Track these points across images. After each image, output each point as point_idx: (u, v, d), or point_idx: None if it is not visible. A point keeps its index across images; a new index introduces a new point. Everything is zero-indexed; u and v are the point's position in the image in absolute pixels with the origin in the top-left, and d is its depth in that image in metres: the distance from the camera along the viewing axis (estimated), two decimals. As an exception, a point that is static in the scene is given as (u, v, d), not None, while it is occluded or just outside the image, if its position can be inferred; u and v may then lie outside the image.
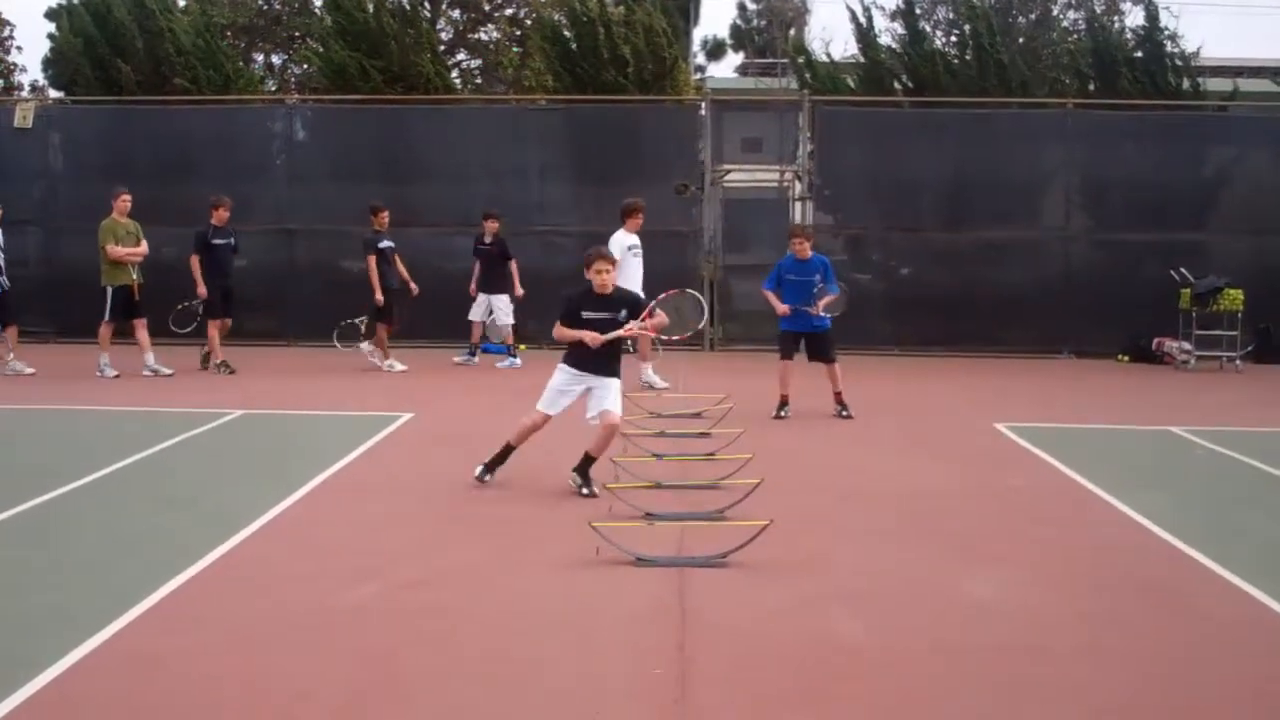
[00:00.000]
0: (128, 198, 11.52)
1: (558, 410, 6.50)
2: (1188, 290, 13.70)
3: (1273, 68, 21.58)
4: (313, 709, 3.53)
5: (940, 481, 6.95)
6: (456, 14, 27.49)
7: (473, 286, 12.89)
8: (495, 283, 12.80)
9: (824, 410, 9.31)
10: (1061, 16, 26.64)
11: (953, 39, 19.89)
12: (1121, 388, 12.12)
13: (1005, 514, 6.22)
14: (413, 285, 12.58)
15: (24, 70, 26.96)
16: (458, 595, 4.64)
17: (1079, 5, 26.56)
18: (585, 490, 6.33)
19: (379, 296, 12.05)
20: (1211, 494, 6.82)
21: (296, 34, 26.55)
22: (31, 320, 12.59)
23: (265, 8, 26.79)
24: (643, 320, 6.46)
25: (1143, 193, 14.85)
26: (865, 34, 17.29)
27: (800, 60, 18.37)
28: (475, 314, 12.93)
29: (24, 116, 15.58)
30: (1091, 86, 17.24)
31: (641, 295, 6.78)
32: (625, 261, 10.50)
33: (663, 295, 6.90)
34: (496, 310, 12.82)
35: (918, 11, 19.44)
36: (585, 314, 6.49)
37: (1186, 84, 16.56)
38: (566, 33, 17.37)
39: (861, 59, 17.63)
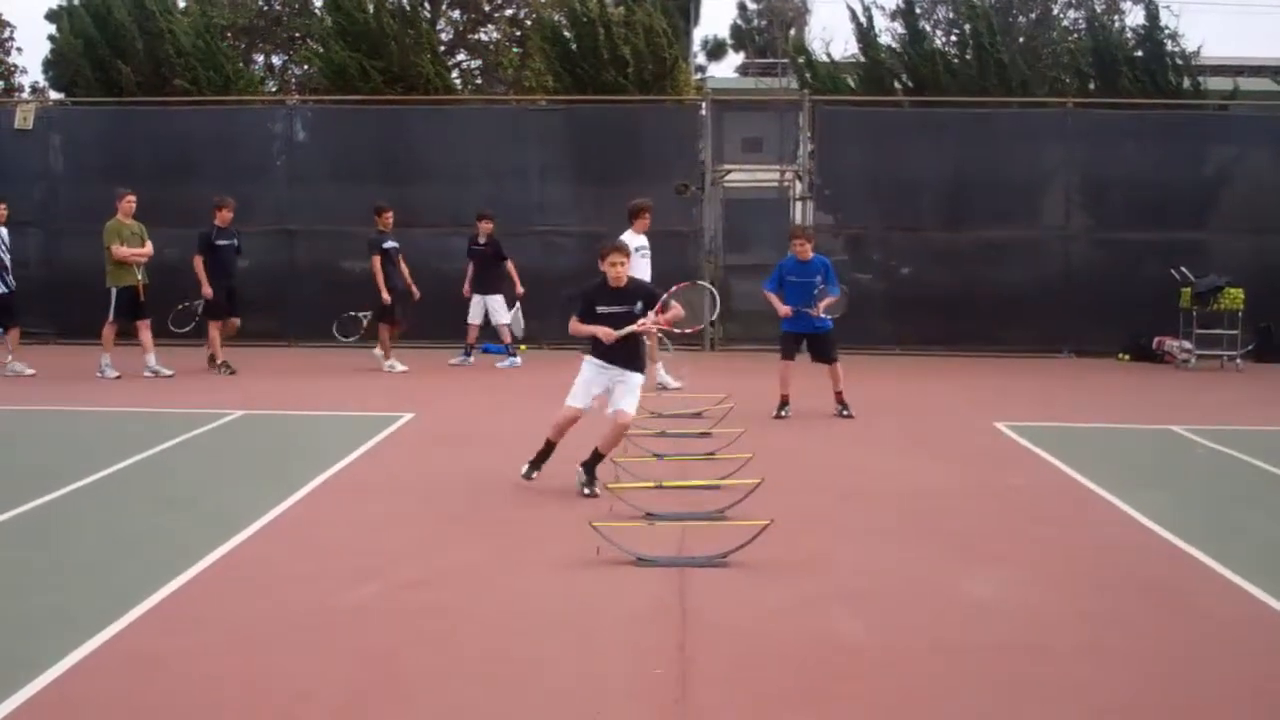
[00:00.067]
0: (132, 199, 11.54)
1: (588, 403, 6.43)
2: (1188, 289, 13.70)
3: (1273, 67, 21.57)
4: (313, 709, 3.53)
5: (941, 481, 6.95)
6: (456, 14, 27.49)
7: (466, 287, 12.89)
8: (490, 283, 12.80)
9: (824, 410, 9.31)
10: (1062, 16, 26.63)
11: (953, 38, 19.90)
12: (1122, 387, 12.12)
13: (1005, 513, 6.22)
14: (414, 289, 12.59)
15: (24, 72, 27.01)
16: (458, 595, 4.64)
17: (1079, 4, 26.54)
18: (587, 490, 6.32)
19: (386, 296, 12.06)
20: (1212, 493, 6.82)
21: (297, 35, 26.56)
22: (32, 321, 12.60)
23: (265, 9, 26.80)
24: (656, 314, 6.40)
25: (1143, 192, 14.85)
26: (865, 34, 17.29)
27: (800, 60, 18.38)
28: (473, 316, 12.94)
29: (24, 118, 15.59)
30: (1092, 86, 17.24)
31: (656, 289, 6.69)
32: (634, 262, 10.48)
33: (675, 288, 6.88)
34: (492, 310, 12.82)
35: (918, 11, 19.44)
36: (600, 308, 6.43)
37: (1187, 83, 16.56)
38: (566, 33, 17.37)
39: (862, 59, 17.63)
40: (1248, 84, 18.74)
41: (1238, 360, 13.56)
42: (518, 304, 12.98)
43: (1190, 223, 14.93)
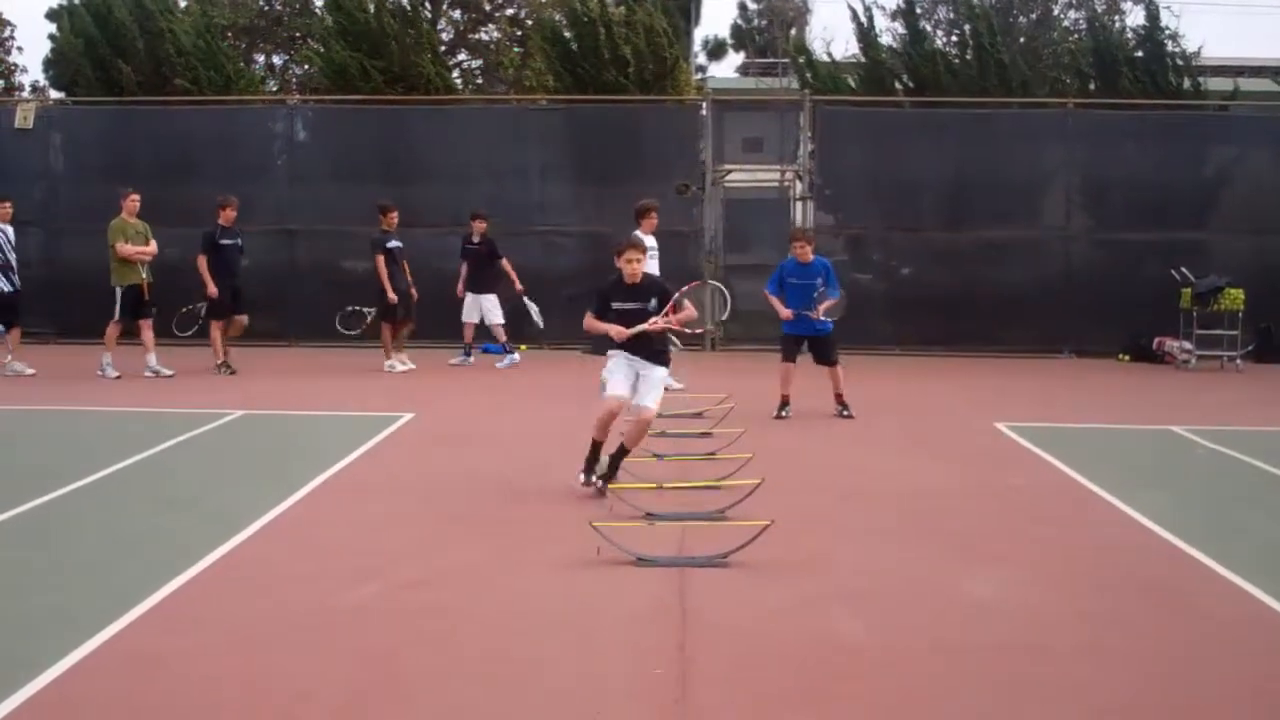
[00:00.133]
0: (136, 198, 11.55)
1: (626, 390, 6.33)
2: (1188, 290, 13.70)
3: (1273, 67, 21.55)
4: (313, 709, 3.53)
5: (941, 481, 6.95)
6: (457, 14, 27.50)
7: (460, 287, 12.90)
8: (483, 283, 12.82)
9: (824, 410, 9.31)
10: (1062, 16, 26.64)
11: (953, 39, 19.89)
12: (1122, 387, 12.12)
13: (1006, 513, 6.22)
14: (413, 290, 12.59)
15: (25, 71, 27.04)
16: (458, 595, 4.64)
17: (1080, 5, 26.55)
18: (600, 483, 6.30)
19: (391, 296, 12.07)
20: (1212, 493, 6.82)
21: (297, 34, 26.57)
22: (32, 321, 12.60)
23: (266, 8, 26.81)
24: (667, 314, 6.36)
25: (1143, 192, 14.86)
26: (866, 34, 17.29)
27: (801, 60, 18.38)
28: (467, 315, 12.95)
29: (25, 117, 15.60)
30: (1092, 86, 17.24)
31: (669, 287, 6.63)
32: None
33: (686, 287, 6.86)
34: (485, 310, 12.83)
35: (918, 11, 19.43)
36: (615, 304, 6.42)
37: (1187, 83, 16.55)
38: (567, 33, 17.37)
39: (862, 59, 17.63)
40: (1248, 84, 18.72)
41: (1238, 361, 13.56)
42: (529, 301, 12.96)
43: (1190, 223, 14.94)
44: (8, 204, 11.83)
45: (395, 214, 12.38)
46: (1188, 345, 13.66)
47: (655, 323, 6.32)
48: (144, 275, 11.48)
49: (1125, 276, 14.69)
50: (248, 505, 5.97)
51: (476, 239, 12.89)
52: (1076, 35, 23.92)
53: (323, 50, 18.77)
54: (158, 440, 7.83)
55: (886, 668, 3.90)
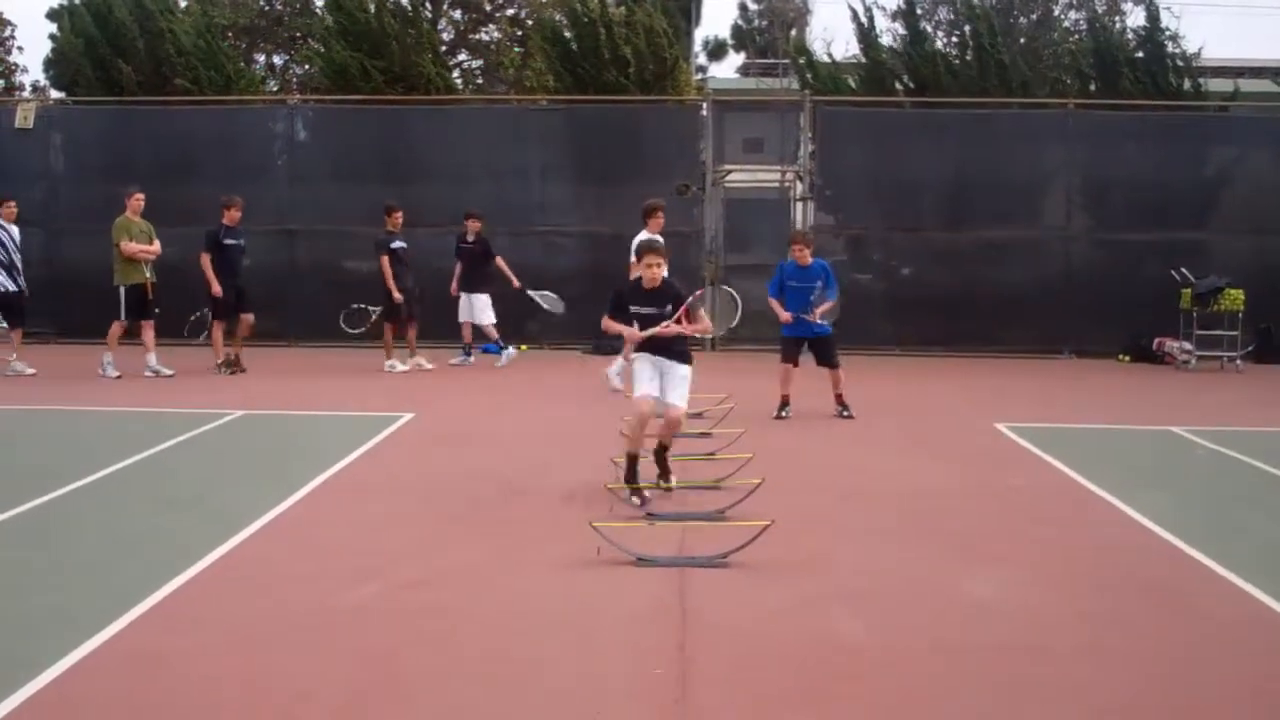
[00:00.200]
0: (141, 197, 11.56)
1: (657, 390, 6.29)
2: (1188, 290, 13.70)
3: (1274, 68, 21.55)
4: (313, 709, 3.53)
5: (941, 481, 6.95)
6: (458, 14, 27.50)
7: (454, 286, 12.91)
8: (476, 282, 12.84)
9: (824, 410, 9.32)
10: (1063, 17, 26.65)
11: (954, 39, 19.88)
12: (1122, 387, 12.12)
13: (1006, 514, 6.22)
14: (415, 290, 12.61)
15: (25, 71, 27.03)
16: (458, 595, 4.64)
17: (1080, 6, 26.56)
18: (664, 484, 6.31)
19: (397, 296, 12.07)
20: (1212, 494, 6.82)
21: (298, 34, 26.58)
22: (32, 321, 12.60)
23: (266, 8, 26.81)
24: (679, 319, 6.28)
25: (1144, 193, 14.86)
26: (866, 34, 17.28)
27: (801, 60, 18.37)
28: (464, 315, 12.97)
29: (25, 117, 15.60)
30: (1092, 87, 17.23)
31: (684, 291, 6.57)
32: None
33: (699, 291, 6.84)
34: (476, 310, 12.83)
35: (919, 12, 19.41)
36: (633, 308, 6.37)
37: (1187, 84, 16.55)
38: (567, 33, 17.38)
39: (863, 59, 17.63)
40: (1248, 85, 18.71)
41: (1238, 361, 13.56)
42: (532, 293, 12.93)
43: (1191, 224, 14.94)
44: (12, 204, 11.85)
45: (400, 214, 12.39)
46: (1188, 346, 13.66)
47: (668, 326, 6.26)
48: (148, 275, 11.49)
49: (1125, 277, 14.69)
50: (248, 505, 5.97)
51: (471, 238, 12.91)
52: (1077, 36, 23.92)
53: (323, 50, 18.77)
54: (158, 440, 7.84)
55: (886, 668, 3.90)
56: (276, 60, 27.93)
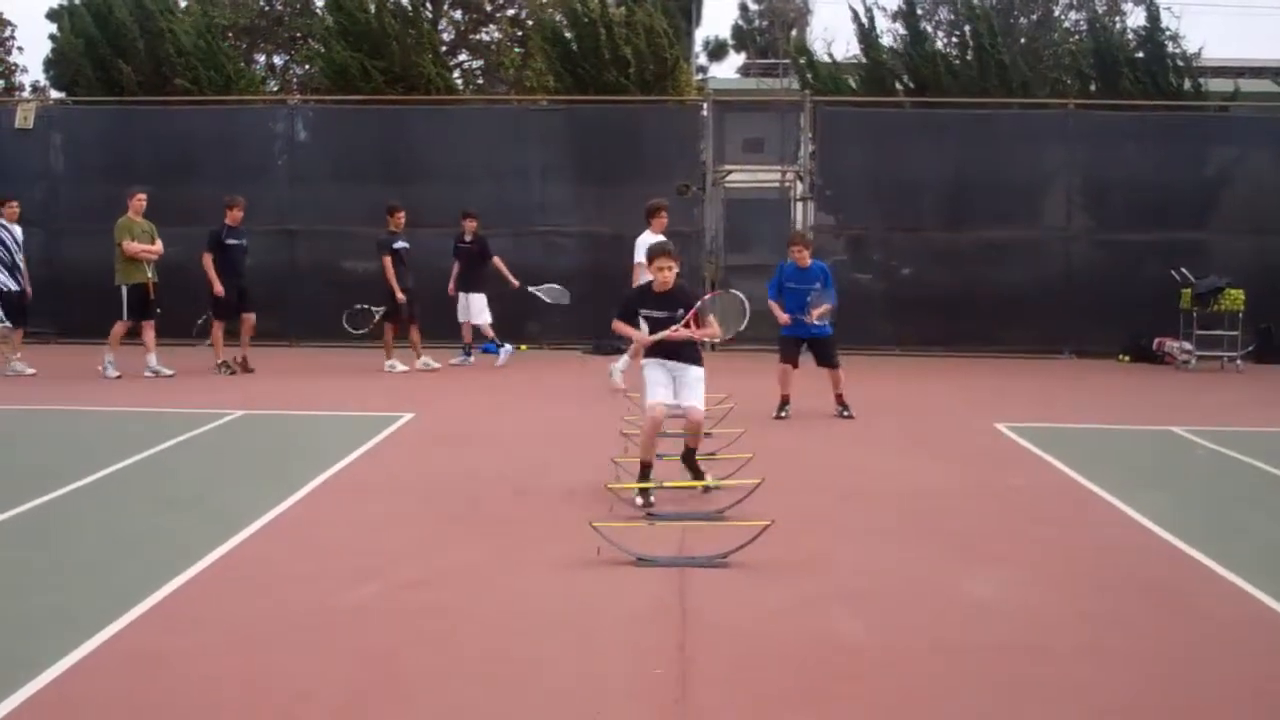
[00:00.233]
0: (143, 197, 11.57)
1: (670, 398, 6.25)
2: (1189, 290, 13.70)
3: (1274, 68, 21.56)
4: (313, 709, 3.53)
5: (941, 481, 6.95)
6: (458, 14, 27.50)
7: (451, 286, 12.91)
8: (472, 281, 12.86)
9: (824, 410, 9.31)
10: (1063, 17, 26.66)
11: (954, 40, 19.89)
12: (1122, 387, 12.12)
13: (1006, 514, 6.22)
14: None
15: (25, 71, 27.04)
16: (458, 595, 4.64)
17: (1080, 6, 26.57)
18: (701, 485, 6.29)
19: (400, 296, 12.07)
20: (1212, 494, 6.82)
21: (298, 34, 26.58)
22: (32, 321, 12.61)
23: (266, 8, 26.82)
24: (688, 323, 6.20)
25: (1144, 193, 14.86)
26: (867, 34, 17.29)
27: (802, 61, 18.38)
28: (462, 314, 12.98)
29: (25, 117, 15.60)
30: (1093, 87, 17.24)
31: (695, 295, 6.51)
32: None
33: (708, 296, 6.80)
34: (472, 309, 12.82)
35: (919, 12, 19.42)
36: (644, 312, 6.31)
37: (1188, 84, 16.56)
38: (567, 33, 17.38)
39: (863, 59, 17.64)
40: (1248, 85, 18.73)
41: (1238, 361, 13.56)
42: (533, 289, 12.91)
43: (1191, 224, 14.94)
44: (15, 204, 11.87)
45: (402, 215, 12.39)
46: (1188, 346, 13.66)
47: (677, 330, 6.20)
48: (149, 275, 11.49)
49: (1125, 277, 14.69)
50: (248, 505, 5.97)
51: (468, 238, 12.91)
52: (1077, 36, 23.94)
53: (323, 50, 18.78)
54: (158, 440, 7.84)
55: (886, 668, 3.90)
56: (277, 60, 27.95)
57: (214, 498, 6.30)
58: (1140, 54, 16.81)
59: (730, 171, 16.43)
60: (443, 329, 13.54)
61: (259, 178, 15.31)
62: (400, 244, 12.26)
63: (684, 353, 6.33)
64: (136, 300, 11.43)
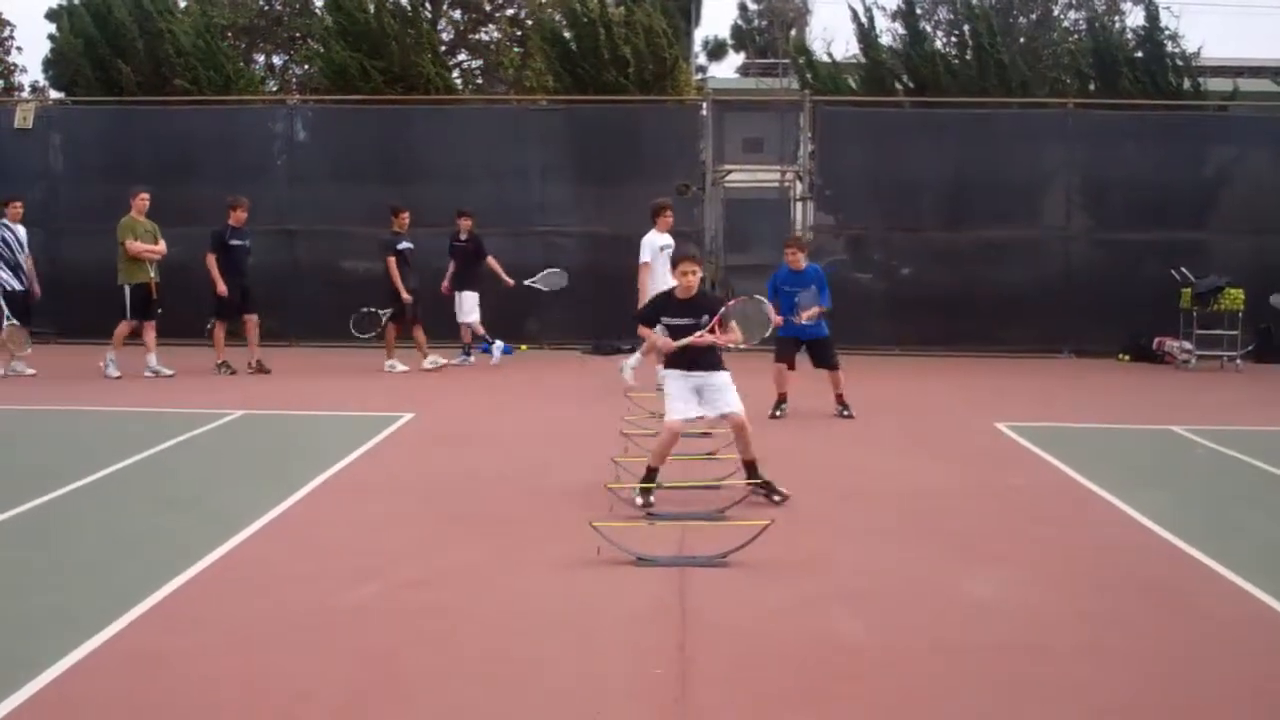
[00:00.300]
0: (146, 197, 11.57)
1: (692, 414, 6.13)
2: (1188, 290, 13.70)
3: (1273, 68, 21.57)
4: (313, 709, 3.53)
5: (941, 481, 6.95)
6: (457, 14, 27.51)
7: (445, 285, 12.90)
8: (466, 280, 12.87)
9: (824, 410, 9.31)
10: (1062, 16, 26.67)
11: (953, 39, 19.90)
12: (1122, 387, 12.12)
13: (1005, 513, 6.22)
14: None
15: (24, 71, 27.07)
16: (458, 595, 4.64)
17: (1080, 5, 26.58)
18: (777, 497, 6.17)
19: (406, 296, 12.07)
20: (1212, 493, 6.82)
21: (297, 34, 26.59)
22: (33, 321, 12.59)
23: (266, 8, 26.82)
24: (713, 329, 6.11)
25: (1143, 192, 14.87)
26: (866, 34, 17.30)
27: (801, 60, 18.38)
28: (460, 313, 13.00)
29: (24, 117, 15.60)
30: (1092, 86, 17.25)
31: (720, 300, 6.42)
32: (660, 261, 10.53)
33: (731, 302, 6.76)
34: (464, 308, 12.81)
35: (918, 12, 19.44)
36: (666, 319, 6.19)
37: (1187, 84, 16.56)
38: (567, 33, 17.38)
39: (862, 59, 17.64)
40: (1248, 85, 18.73)
41: (1238, 361, 13.56)
42: (528, 282, 12.88)
43: (1190, 223, 14.95)
44: (19, 204, 11.88)
45: (406, 215, 12.38)
46: (1187, 345, 13.67)
47: (701, 336, 6.09)
48: (152, 275, 11.49)
49: (1125, 276, 14.70)
50: (248, 505, 5.97)
51: (464, 236, 12.91)
52: (1076, 36, 23.95)
53: (323, 50, 18.78)
54: (158, 440, 7.84)
55: (886, 668, 3.90)
56: (276, 60, 27.96)
57: (214, 498, 6.30)
58: (1139, 53, 16.82)
59: (730, 171, 16.44)
60: (441, 329, 13.55)
61: (258, 178, 15.31)
62: (404, 245, 12.26)
63: (706, 361, 6.18)
64: (139, 300, 11.43)
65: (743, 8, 42.53)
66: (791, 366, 9.27)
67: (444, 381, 11.76)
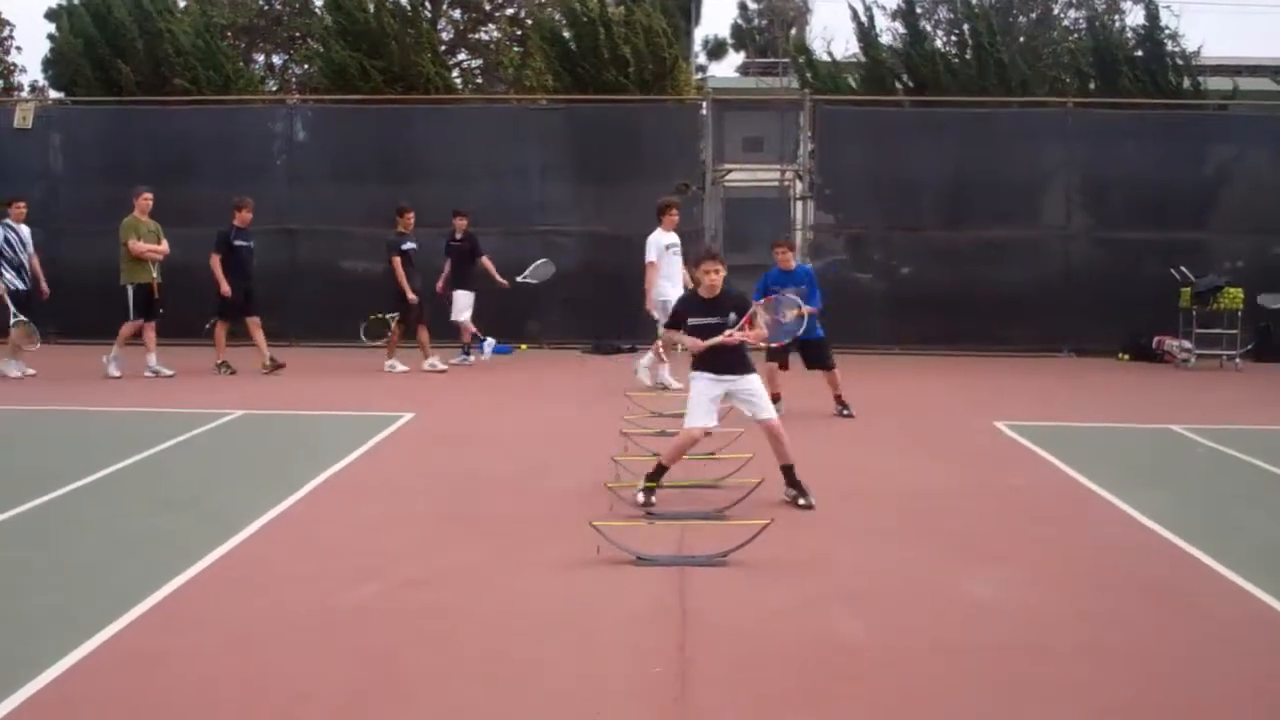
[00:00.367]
0: (149, 197, 11.57)
1: (713, 420, 6.09)
2: (1188, 289, 13.71)
3: (1272, 66, 21.57)
4: (313, 709, 3.53)
5: (941, 480, 6.95)
6: (457, 14, 27.50)
7: (440, 284, 12.89)
8: (460, 279, 12.88)
9: (824, 410, 9.31)
10: (1062, 15, 26.66)
11: (953, 38, 19.91)
12: (1122, 386, 12.12)
13: (1005, 513, 6.22)
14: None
15: (24, 71, 27.04)
16: (458, 595, 4.64)
17: (1079, 4, 26.57)
18: (802, 501, 6.13)
19: (412, 296, 12.07)
20: (1212, 492, 6.82)
21: (297, 34, 26.58)
22: (32, 321, 12.59)
23: (265, 8, 26.81)
24: (743, 327, 6.04)
25: (1143, 191, 14.88)
26: (866, 33, 17.30)
27: (801, 60, 18.39)
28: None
29: (24, 117, 15.60)
30: (1092, 85, 17.26)
31: (747, 299, 6.37)
32: (666, 260, 10.55)
33: (762, 301, 6.71)
34: (456, 306, 12.80)
35: (918, 11, 19.44)
36: (692, 320, 6.12)
37: (1187, 83, 16.58)
38: (566, 33, 17.38)
39: (862, 58, 17.65)
40: (1247, 84, 18.75)
41: (1237, 360, 13.57)
42: (521, 279, 12.86)
43: (1190, 222, 14.95)
44: (22, 204, 11.89)
45: (412, 215, 12.37)
46: (1187, 344, 13.68)
47: (731, 335, 6.01)
48: (154, 275, 11.49)
49: (1125, 276, 14.71)
50: (247, 505, 5.97)
51: (459, 236, 12.91)
52: (1076, 35, 23.94)
53: (322, 50, 18.79)
54: (157, 440, 7.83)
55: (886, 668, 3.89)
56: (275, 60, 27.95)
57: (213, 498, 6.30)
58: (1139, 52, 16.83)
59: (729, 170, 16.44)
60: (440, 329, 13.56)
61: (258, 177, 15.31)
62: (409, 245, 12.25)
63: (735, 362, 6.10)
64: (142, 300, 11.43)
65: (743, 7, 42.57)
66: (784, 366, 9.23)
67: (444, 381, 11.76)
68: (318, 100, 17.96)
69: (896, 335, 14.88)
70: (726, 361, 6.06)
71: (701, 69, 34.81)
